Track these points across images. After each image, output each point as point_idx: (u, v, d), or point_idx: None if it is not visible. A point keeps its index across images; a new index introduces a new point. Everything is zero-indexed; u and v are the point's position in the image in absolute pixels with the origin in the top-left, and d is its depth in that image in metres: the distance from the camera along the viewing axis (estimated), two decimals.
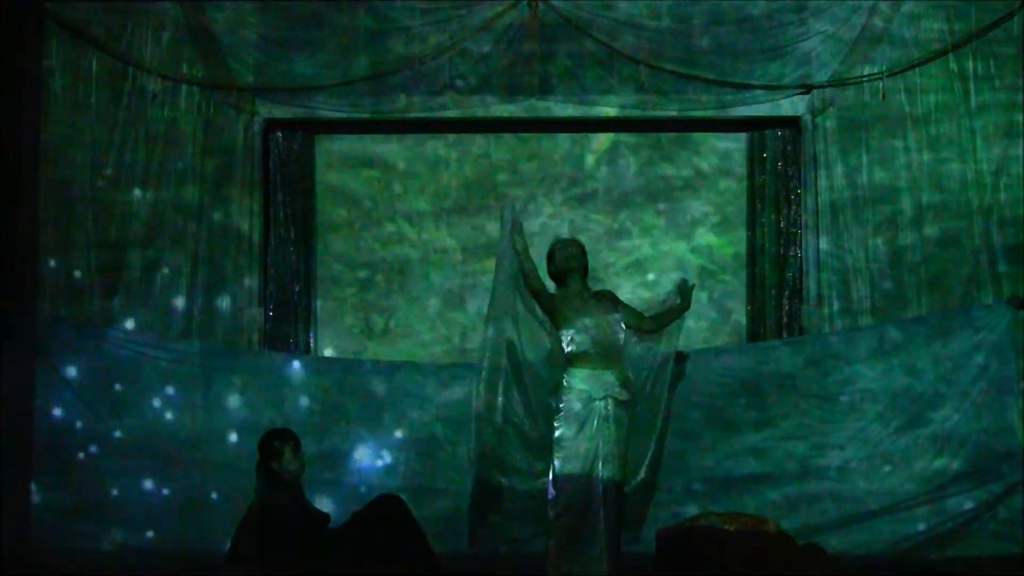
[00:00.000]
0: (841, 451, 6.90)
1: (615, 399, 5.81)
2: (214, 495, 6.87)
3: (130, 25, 7.53)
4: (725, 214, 7.95)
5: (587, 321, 5.86)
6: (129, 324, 7.38)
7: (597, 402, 5.77)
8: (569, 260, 6.06)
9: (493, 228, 7.93)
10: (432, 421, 6.99)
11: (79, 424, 6.96)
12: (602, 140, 7.97)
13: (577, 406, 5.78)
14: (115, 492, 6.91)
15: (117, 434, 6.95)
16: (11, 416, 6.87)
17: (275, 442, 5.75)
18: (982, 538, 6.83)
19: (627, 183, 7.95)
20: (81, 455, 6.94)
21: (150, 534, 6.89)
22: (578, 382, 5.81)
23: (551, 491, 5.77)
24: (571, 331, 5.85)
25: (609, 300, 6.09)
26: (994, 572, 6.52)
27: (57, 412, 6.98)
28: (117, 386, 7.00)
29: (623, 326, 5.97)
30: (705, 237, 7.95)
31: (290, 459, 5.72)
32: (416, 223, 7.95)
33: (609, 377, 5.82)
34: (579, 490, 5.71)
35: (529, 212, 7.83)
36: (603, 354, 5.86)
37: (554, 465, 5.76)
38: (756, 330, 7.74)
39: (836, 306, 7.54)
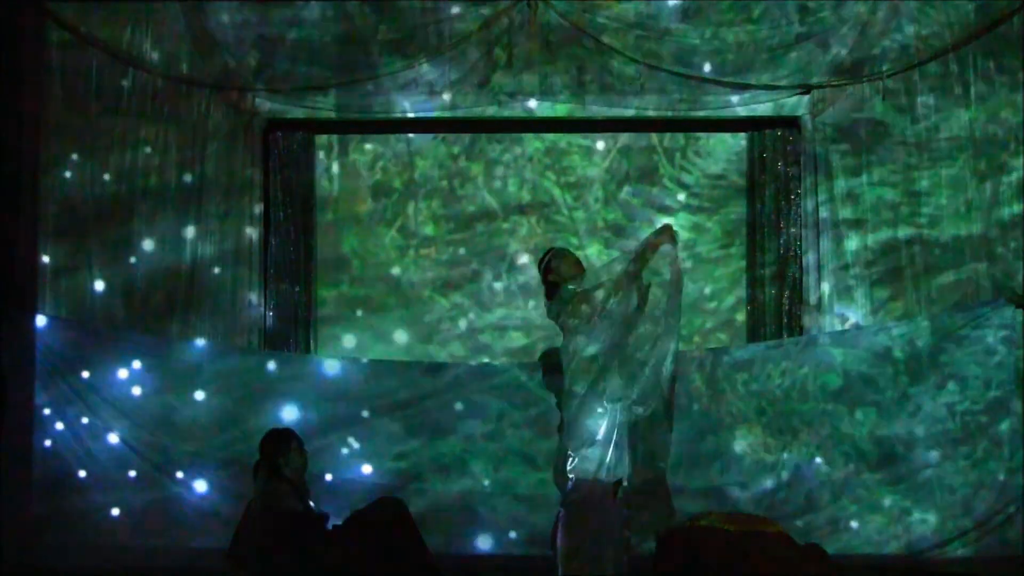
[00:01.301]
0: (839, 452, 6.89)
1: None
2: (211, 493, 6.87)
3: (130, 25, 7.53)
4: (724, 214, 7.95)
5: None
6: (129, 324, 7.38)
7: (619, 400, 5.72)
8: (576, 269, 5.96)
9: (492, 229, 7.94)
10: (413, 420, 7.00)
11: (79, 423, 6.96)
12: (599, 138, 7.98)
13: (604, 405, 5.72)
14: (115, 491, 6.91)
15: (117, 432, 6.95)
16: (11, 416, 6.85)
17: (280, 440, 5.77)
18: (984, 539, 6.82)
19: (624, 182, 7.96)
20: (81, 454, 6.94)
21: (150, 532, 6.89)
22: None
23: (569, 486, 5.72)
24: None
25: None
26: (994, 572, 6.51)
27: (57, 411, 6.97)
28: (116, 385, 7.00)
29: None
30: (704, 237, 7.94)
31: (295, 456, 5.74)
32: (416, 222, 7.95)
33: None
34: (596, 488, 5.67)
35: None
36: None
37: (574, 461, 5.69)
38: (756, 330, 7.74)
39: (836, 305, 7.54)
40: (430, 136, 7.94)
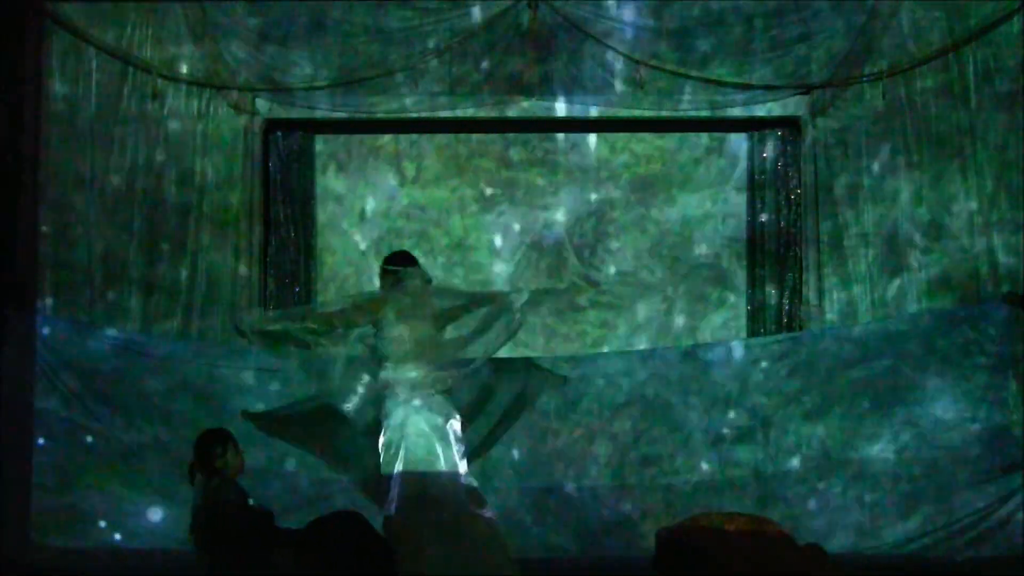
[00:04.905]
0: (837, 450, 6.86)
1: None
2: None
3: (130, 25, 7.54)
4: (724, 214, 7.94)
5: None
6: (128, 324, 7.39)
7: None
8: None
9: (493, 226, 7.92)
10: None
11: (78, 424, 6.95)
12: (598, 138, 7.99)
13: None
14: (113, 492, 6.90)
15: (116, 434, 6.94)
16: (11, 416, 6.86)
17: (216, 440, 5.74)
18: (982, 538, 6.81)
19: (624, 183, 7.96)
20: (80, 455, 6.93)
21: (147, 533, 6.88)
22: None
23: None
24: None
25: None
26: (994, 572, 6.52)
27: (57, 412, 6.97)
28: (116, 386, 6.98)
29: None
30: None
31: (232, 457, 5.74)
32: (417, 221, 7.94)
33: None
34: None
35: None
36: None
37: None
38: (756, 330, 7.75)
39: (835, 305, 7.56)
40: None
